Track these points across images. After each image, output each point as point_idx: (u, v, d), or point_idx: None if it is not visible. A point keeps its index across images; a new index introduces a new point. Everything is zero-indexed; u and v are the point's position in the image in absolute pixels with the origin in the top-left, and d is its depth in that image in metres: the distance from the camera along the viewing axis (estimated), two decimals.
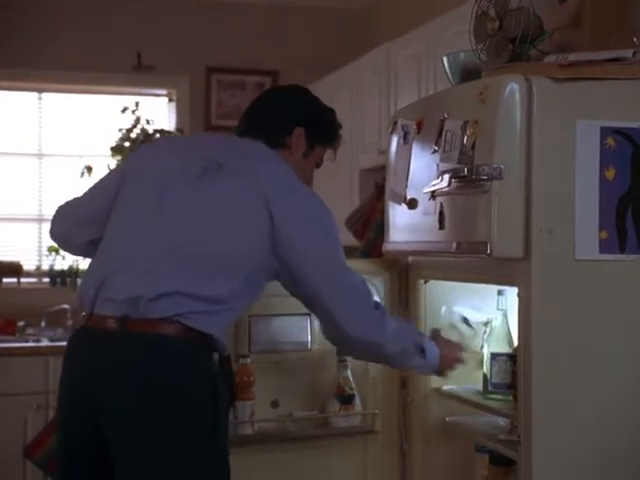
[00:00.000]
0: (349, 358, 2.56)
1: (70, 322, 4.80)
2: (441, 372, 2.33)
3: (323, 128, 2.41)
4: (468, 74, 2.54)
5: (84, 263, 5.08)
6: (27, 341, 4.65)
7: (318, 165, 2.44)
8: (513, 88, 2.05)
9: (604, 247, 2.04)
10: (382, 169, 4.18)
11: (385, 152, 4.00)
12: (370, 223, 4.32)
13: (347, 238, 4.29)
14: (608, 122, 2.05)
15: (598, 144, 2.04)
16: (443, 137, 2.27)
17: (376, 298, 2.33)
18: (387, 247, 2.70)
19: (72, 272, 5.00)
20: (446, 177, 2.17)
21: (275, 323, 2.55)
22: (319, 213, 2.21)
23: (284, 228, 2.12)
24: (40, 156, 5.10)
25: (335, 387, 2.59)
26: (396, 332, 2.21)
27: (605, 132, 2.04)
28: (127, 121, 5.05)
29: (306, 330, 2.58)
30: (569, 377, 2.04)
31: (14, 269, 4.91)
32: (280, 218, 2.11)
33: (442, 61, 2.65)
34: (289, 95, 2.44)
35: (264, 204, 2.11)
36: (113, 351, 2.00)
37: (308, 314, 2.49)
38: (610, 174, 2.04)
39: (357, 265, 2.66)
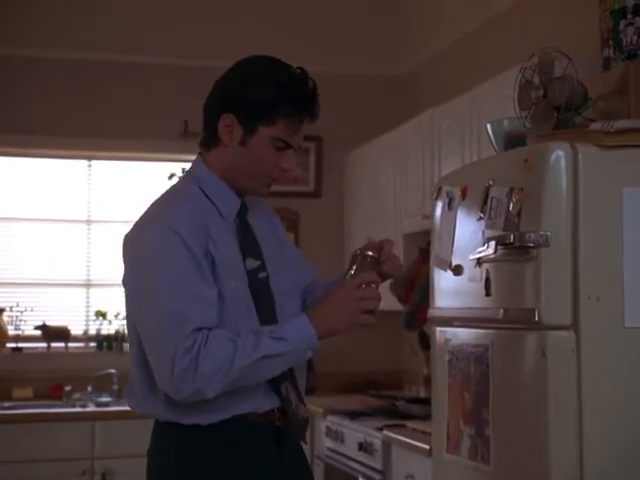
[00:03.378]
0: None
1: (116, 387, 4.82)
2: (337, 331, 1.96)
3: (259, 102, 1.97)
4: (512, 141, 2.56)
5: None
6: (74, 406, 4.65)
7: (280, 147, 2.00)
8: (559, 155, 2.07)
9: None
10: (426, 233, 4.20)
11: (429, 217, 4.04)
12: (414, 287, 4.33)
13: (392, 302, 4.29)
14: None
15: None
16: (489, 204, 2.28)
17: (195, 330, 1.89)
18: (433, 313, 2.69)
19: (118, 336, 5.03)
20: (492, 244, 2.17)
21: None
22: (138, 265, 1.97)
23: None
24: (89, 222, 5.17)
25: None
26: (217, 369, 1.87)
27: None
28: None
29: None
30: (619, 444, 2.02)
31: (62, 334, 4.95)
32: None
33: (486, 128, 2.67)
34: (218, 82, 2.09)
35: None
36: None
37: None
38: None
39: None
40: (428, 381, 4.47)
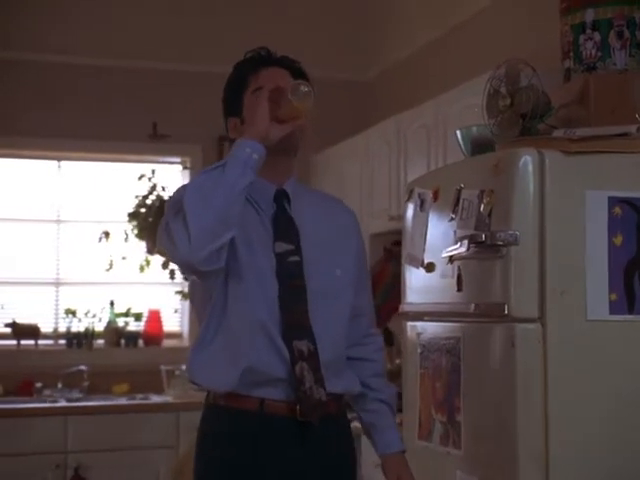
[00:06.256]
0: None
1: (87, 383, 4.89)
2: (264, 132, 2.01)
3: (233, 81, 2.22)
4: (480, 147, 2.72)
5: (100, 325, 5.23)
6: (44, 402, 4.72)
7: (273, 92, 2.07)
8: (527, 160, 2.22)
9: (614, 308, 2.20)
10: (391, 234, 4.37)
11: (395, 218, 4.20)
12: (380, 285, 4.48)
13: None
14: (615, 192, 2.22)
15: (606, 213, 2.21)
16: (460, 205, 2.42)
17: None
18: (404, 308, 2.83)
19: (88, 334, 5.12)
20: (465, 242, 2.31)
21: None
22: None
23: None
24: (59, 222, 5.24)
25: None
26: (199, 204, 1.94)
27: (612, 202, 2.21)
28: (143, 188, 5.22)
29: None
30: (582, 427, 2.18)
31: (32, 331, 5.02)
32: None
33: (456, 134, 2.82)
34: None
35: None
36: None
37: None
38: (618, 240, 2.20)
39: None
40: (392, 375, 4.61)
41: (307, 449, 2.12)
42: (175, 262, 2.08)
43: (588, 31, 2.72)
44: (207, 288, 2.12)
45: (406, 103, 4.38)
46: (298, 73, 2.22)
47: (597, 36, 2.70)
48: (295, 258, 2.15)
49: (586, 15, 2.72)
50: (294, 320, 2.11)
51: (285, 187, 2.21)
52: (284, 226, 2.17)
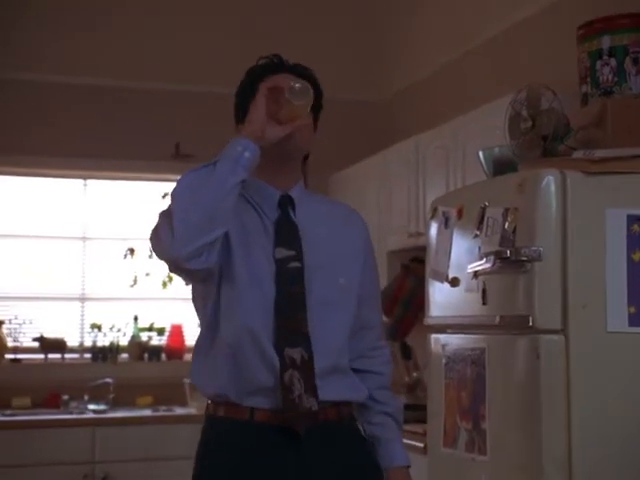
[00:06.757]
0: None
1: (112, 396, 5.02)
2: (260, 131, 1.98)
3: (239, 96, 2.16)
4: (501, 167, 2.85)
5: (124, 339, 5.35)
6: (71, 413, 4.84)
7: (271, 90, 2.01)
8: (549, 180, 2.35)
9: (633, 321, 2.32)
10: (409, 251, 4.49)
11: (413, 235, 4.33)
12: (398, 301, 4.61)
13: None
14: (633, 210, 2.34)
15: (625, 230, 2.33)
16: (485, 223, 2.55)
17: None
18: (428, 321, 2.95)
19: (113, 348, 5.24)
20: (491, 258, 2.44)
21: None
22: None
23: None
24: (84, 239, 5.38)
25: None
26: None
27: (631, 219, 2.33)
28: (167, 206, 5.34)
29: None
30: (603, 432, 2.30)
31: (59, 345, 5.15)
32: None
33: (478, 155, 2.95)
34: None
35: None
36: None
37: None
38: (637, 256, 2.33)
39: None
40: (409, 388, 4.74)
41: (302, 458, 2.04)
42: (161, 259, 2.00)
43: (605, 57, 2.84)
44: (205, 292, 2.09)
45: (423, 124, 4.50)
46: (309, 81, 2.10)
47: (613, 62, 2.82)
48: (296, 264, 2.09)
49: (602, 42, 2.85)
50: (290, 327, 2.05)
51: (290, 193, 2.14)
52: (286, 232, 2.12)
